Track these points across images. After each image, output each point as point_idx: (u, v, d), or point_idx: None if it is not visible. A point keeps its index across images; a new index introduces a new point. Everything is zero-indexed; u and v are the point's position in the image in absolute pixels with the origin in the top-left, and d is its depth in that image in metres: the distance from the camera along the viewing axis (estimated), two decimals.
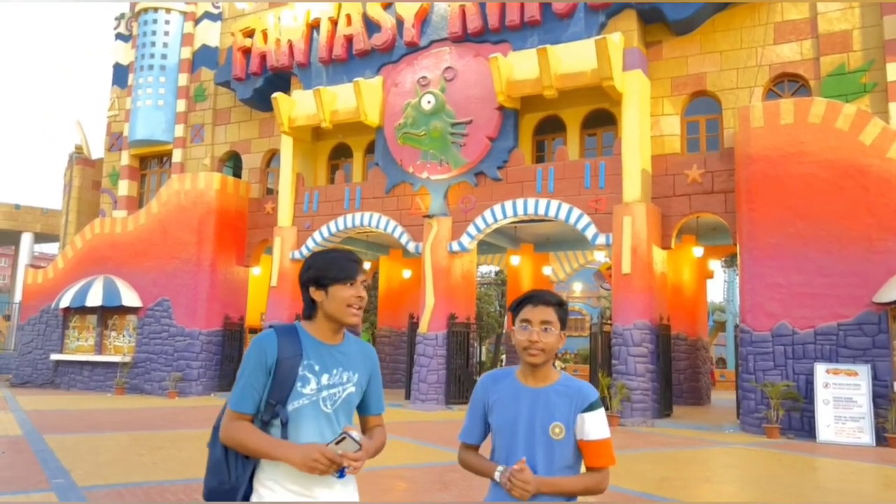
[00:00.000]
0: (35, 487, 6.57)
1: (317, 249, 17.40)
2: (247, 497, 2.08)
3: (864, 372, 11.30)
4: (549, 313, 2.16)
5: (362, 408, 2.26)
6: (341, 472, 2.06)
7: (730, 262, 28.72)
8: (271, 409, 2.07)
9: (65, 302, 18.92)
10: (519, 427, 2.14)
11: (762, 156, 12.58)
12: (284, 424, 2.07)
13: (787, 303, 12.10)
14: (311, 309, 2.19)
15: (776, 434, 11.68)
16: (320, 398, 2.10)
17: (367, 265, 21.91)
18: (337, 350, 2.17)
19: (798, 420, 11.87)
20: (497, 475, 2.12)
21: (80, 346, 19.70)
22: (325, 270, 2.16)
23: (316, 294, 2.16)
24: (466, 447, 2.30)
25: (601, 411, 2.12)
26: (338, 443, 1.99)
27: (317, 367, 2.10)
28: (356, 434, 2.02)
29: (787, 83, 14.05)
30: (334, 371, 2.13)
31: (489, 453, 2.26)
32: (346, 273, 2.14)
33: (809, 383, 11.74)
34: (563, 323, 2.18)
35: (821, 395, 11.48)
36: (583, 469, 2.16)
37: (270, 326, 2.23)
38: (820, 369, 11.57)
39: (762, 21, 14.10)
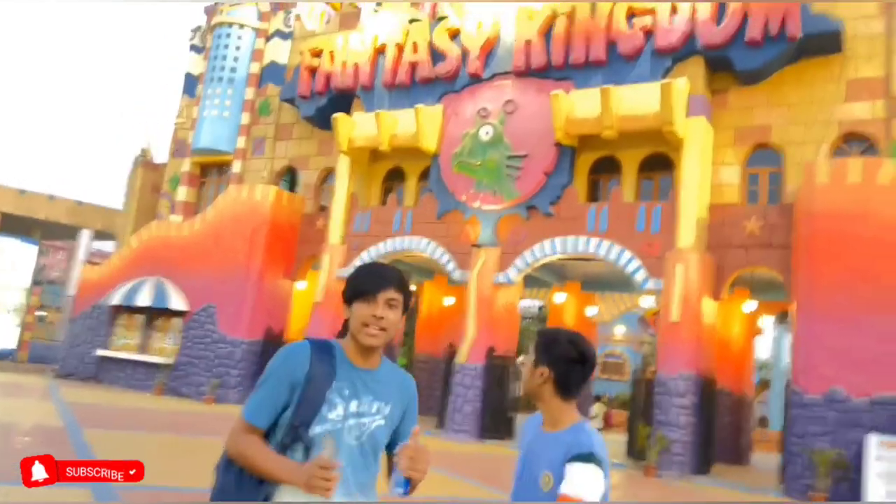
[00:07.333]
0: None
1: None
2: None
3: None
4: None
5: (394, 444, 1.98)
6: (406, 485, 1.83)
7: (781, 318, 27.86)
8: (293, 431, 1.87)
9: (115, 300, 19.42)
10: (522, 472, 2.09)
11: (826, 214, 12.23)
12: (308, 450, 1.87)
13: (842, 367, 11.64)
14: (346, 326, 2.01)
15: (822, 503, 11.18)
16: (345, 426, 1.91)
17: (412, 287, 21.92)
18: (370, 376, 1.97)
19: (847, 490, 11.34)
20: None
21: (125, 344, 20.13)
22: (349, 284, 1.99)
23: (345, 311, 2.00)
24: None
25: (586, 466, 1.91)
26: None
27: (346, 392, 1.92)
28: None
29: (856, 142, 13.70)
30: (364, 399, 1.94)
31: None
32: (364, 288, 1.94)
33: (860, 454, 11.23)
34: None
35: (872, 467, 10.97)
36: None
37: (307, 339, 2.02)
38: (873, 441, 11.06)
39: (834, 77, 13.82)
